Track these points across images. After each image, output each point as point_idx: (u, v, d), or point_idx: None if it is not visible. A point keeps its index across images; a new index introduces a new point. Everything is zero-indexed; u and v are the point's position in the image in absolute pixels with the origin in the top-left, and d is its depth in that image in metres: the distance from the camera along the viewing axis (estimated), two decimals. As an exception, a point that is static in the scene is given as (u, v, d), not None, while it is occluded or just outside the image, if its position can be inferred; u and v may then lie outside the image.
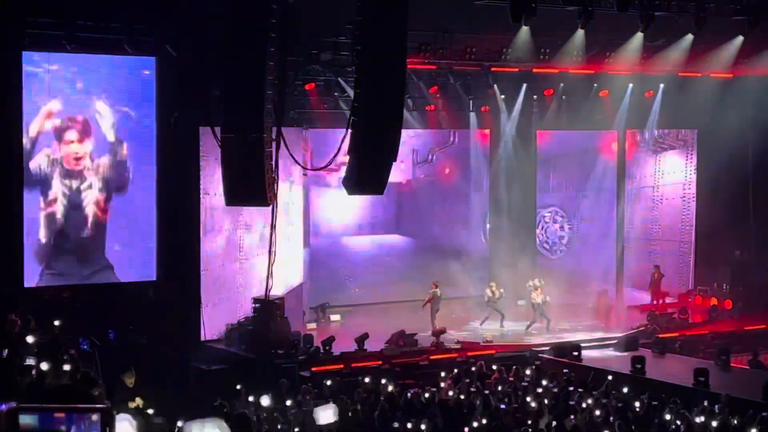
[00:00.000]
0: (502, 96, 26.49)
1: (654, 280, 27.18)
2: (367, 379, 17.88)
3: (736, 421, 15.17)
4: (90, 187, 20.84)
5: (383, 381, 17.63)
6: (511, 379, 18.28)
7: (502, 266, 28.26)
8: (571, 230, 28.55)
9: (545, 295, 24.57)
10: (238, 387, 16.64)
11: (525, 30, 22.89)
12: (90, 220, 20.87)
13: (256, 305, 21.56)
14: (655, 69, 25.93)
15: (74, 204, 20.69)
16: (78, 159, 20.63)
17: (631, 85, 26.82)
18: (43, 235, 20.42)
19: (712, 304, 26.63)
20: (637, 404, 16.25)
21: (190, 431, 8.36)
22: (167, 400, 14.44)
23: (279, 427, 14.75)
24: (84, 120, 20.67)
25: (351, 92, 20.25)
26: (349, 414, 15.15)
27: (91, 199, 20.85)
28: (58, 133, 20.43)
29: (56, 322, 15.92)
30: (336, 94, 24.03)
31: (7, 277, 19.59)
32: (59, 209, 20.54)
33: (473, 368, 19.15)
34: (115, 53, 20.64)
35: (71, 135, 20.56)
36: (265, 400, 15.15)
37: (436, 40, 23.65)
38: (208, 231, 22.18)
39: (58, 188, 20.49)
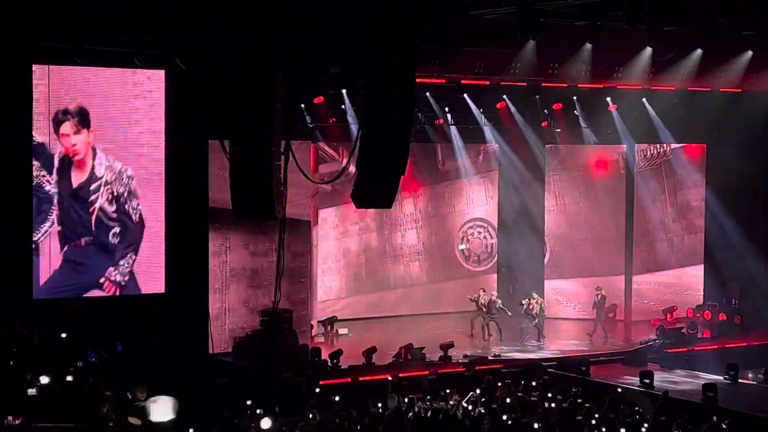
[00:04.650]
0: (512, 110, 26.56)
1: (597, 301, 25.70)
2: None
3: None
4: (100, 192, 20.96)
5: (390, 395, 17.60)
6: (519, 393, 18.22)
7: (509, 279, 28.39)
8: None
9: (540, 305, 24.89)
10: (249, 402, 16.60)
11: (532, 44, 22.91)
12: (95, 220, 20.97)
13: (264, 318, 21.55)
14: (663, 83, 25.92)
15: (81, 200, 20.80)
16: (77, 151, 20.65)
17: (643, 99, 26.86)
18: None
19: (722, 320, 26.55)
20: (645, 421, 16.19)
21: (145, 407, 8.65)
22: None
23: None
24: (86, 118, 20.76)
25: (360, 105, 20.25)
26: (358, 428, 15.11)
27: (100, 202, 20.95)
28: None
29: (63, 335, 15.95)
30: (344, 107, 24.09)
31: (16, 289, 19.64)
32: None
33: (482, 383, 19.09)
34: (125, 66, 20.71)
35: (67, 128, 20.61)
36: (266, 423, 14.93)
37: (444, 54, 23.67)
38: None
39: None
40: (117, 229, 21.04)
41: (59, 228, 20.51)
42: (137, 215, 21.22)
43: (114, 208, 21.01)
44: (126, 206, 21.10)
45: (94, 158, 20.80)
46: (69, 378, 12.92)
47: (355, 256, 27.44)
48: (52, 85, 20.14)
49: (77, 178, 20.70)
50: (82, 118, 20.62)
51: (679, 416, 15.97)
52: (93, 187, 20.81)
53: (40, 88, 20.00)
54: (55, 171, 20.42)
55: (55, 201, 20.43)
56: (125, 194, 21.10)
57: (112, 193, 20.98)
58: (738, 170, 27.64)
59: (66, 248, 20.60)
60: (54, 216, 20.41)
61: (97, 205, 20.84)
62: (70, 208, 20.65)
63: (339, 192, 25.17)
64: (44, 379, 11.75)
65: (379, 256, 27.78)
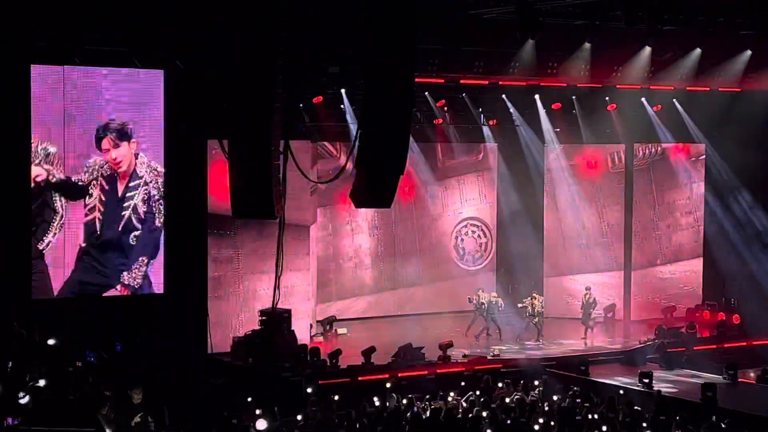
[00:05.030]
0: (511, 109, 26.57)
1: (584, 303, 25.62)
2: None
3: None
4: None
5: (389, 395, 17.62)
6: (518, 393, 18.23)
7: (508, 279, 28.40)
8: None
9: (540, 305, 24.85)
10: (249, 399, 16.62)
11: (531, 44, 22.92)
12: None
13: (263, 318, 21.55)
14: (663, 83, 25.93)
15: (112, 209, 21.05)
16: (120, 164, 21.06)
17: (642, 99, 26.87)
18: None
19: (720, 319, 26.55)
20: (644, 420, 16.19)
21: None
22: (173, 413, 14.41)
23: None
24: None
25: (358, 105, 20.24)
26: (357, 427, 15.12)
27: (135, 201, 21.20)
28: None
29: (62, 335, 15.91)
30: (343, 107, 24.08)
31: (15, 289, 19.64)
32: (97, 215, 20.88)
33: (481, 383, 19.10)
34: (124, 66, 20.71)
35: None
36: (261, 424, 14.94)
37: (443, 54, 23.66)
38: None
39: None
40: (138, 232, 21.17)
41: (94, 223, 20.80)
42: (161, 219, 21.34)
43: (145, 208, 21.19)
44: (154, 208, 21.29)
45: (136, 160, 21.12)
46: (68, 379, 12.92)
47: (351, 256, 27.41)
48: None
49: (122, 185, 21.05)
50: (120, 134, 20.89)
51: (679, 416, 15.98)
52: (132, 184, 21.10)
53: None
54: (104, 181, 20.80)
55: (59, 213, 20.50)
56: (157, 195, 21.30)
57: (148, 193, 21.15)
58: (737, 170, 27.66)
59: (87, 243, 20.81)
60: (55, 227, 20.48)
61: (132, 202, 21.07)
62: (112, 214, 20.93)
63: (332, 191, 25.16)
64: (42, 380, 11.74)
65: (374, 255, 27.75)
